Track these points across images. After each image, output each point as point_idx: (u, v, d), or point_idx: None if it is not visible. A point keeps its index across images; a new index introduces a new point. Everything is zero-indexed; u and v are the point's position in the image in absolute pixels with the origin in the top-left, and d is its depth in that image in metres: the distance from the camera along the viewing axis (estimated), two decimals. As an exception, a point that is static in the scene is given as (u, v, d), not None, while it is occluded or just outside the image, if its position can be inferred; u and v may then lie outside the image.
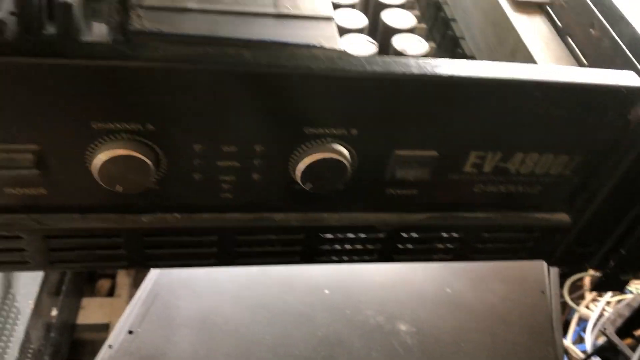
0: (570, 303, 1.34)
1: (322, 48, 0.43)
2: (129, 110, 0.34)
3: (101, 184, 0.35)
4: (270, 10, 0.45)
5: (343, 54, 0.34)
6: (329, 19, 0.46)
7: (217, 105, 0.34)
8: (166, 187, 0.38)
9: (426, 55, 0.50)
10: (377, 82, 0.35)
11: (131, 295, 1.02)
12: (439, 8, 0.59)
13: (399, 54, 0.50)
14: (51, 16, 0.51)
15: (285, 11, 0.45)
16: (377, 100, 0.36)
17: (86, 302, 1.37)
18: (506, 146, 0.40)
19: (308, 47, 0.43)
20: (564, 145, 0.40)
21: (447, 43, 0.56)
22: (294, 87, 0.34)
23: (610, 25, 0.44)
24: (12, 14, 0.51)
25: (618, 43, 0.42)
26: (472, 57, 0.53)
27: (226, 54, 0.33)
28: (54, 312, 1.15)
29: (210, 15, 0.43)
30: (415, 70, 0.35)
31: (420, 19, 0.61)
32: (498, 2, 0.49)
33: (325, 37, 0.44)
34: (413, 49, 0.50)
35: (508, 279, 0.88)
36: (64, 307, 1.19)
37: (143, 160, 0.35)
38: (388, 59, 0.35)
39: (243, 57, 0.33)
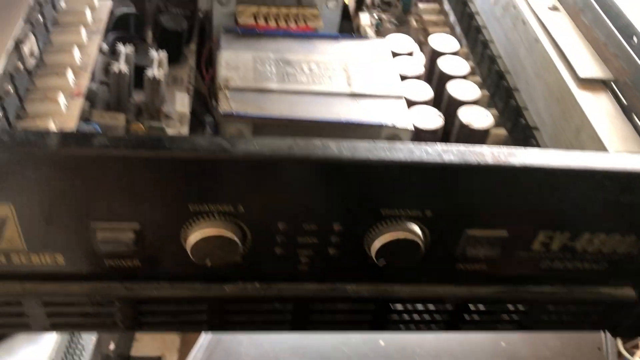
0: (625, 354, 1.30)
1: (394, 127, 0.46)
2: (223, 194, 0.36)
3: (192, 259, 0.38)
4: (345, 89, 0.48)
5: (419, 146, 0.37)
6: (399, 97, 0.48)
7: (302, 189, 0.37)
8: (249, 260, 0.40)
9: (489, 128, 0.52)
10: (452, 171, 0.37)
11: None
12: (501, 77, 0.60)
13: (465, 126, 0.52)
14: (138, 84, 0.55)
15: (358, 90, 0.48)
16: (451, 185, 0.38)
17: (140, 335, 1.41)
18: (574, 227, 0.41)
19: (381, 126, 0.46)
20: (632, 227, 0.41)
21: (510, 112, 0.58)
22: (373, 175, 0.37)
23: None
24: (102, 83, 0.56)
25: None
26: (535, 129, 0.54)
27: (313, 145, 0.36)
28: (112, 346, 1.19)
29: (290, 96, 0.47)
30: (490, 160, 0.37)
31: (481, 85, 0.63)
32: (562, 78, 0.51)
33: (397, 116, 0.46)
34: (479, 121, 0.52)
35: (564, 334, 0.88)
36: (121, 341, 1.24)
37: (233, 239, 0.37)
38: (463, 148, 0.37)
39: (329, 148, 0.36)
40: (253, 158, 0.35)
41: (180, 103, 0.55)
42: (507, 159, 0.37)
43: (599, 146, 0.45)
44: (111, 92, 0.52)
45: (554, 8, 0.58)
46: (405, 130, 0.46)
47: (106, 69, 0.57)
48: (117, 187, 0.35)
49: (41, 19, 0.49)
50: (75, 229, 0.37)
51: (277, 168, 0.36)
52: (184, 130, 0.55)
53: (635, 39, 0.52)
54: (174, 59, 0.61)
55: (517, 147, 0.54)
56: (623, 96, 0.50)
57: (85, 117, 0.51)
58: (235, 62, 0.48)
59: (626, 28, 0.53)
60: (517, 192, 0.39)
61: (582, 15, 0.56)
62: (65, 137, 0.33)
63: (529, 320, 0.48)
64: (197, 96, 0.62)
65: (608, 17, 0.54)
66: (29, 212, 0.36)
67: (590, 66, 0.52)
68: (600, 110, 0.48)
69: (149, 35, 0.64)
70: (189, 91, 0.59)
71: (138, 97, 0.55)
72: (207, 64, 0.61)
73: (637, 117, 0.48)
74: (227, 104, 0.44)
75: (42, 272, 0.40)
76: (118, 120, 0.51)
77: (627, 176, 0.38)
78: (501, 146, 0.45)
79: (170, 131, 0.53)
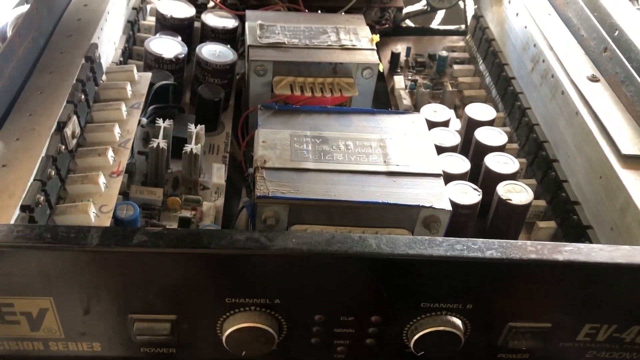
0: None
1: (432, 209, 0.45)
2: (261, 288, 0.36)
3: (228, 349, 0.38)
4: (381, 168, 0.48)
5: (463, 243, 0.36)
6: (436, 175, 0.48)
7: (339, 283, 0.37)
8: (285, 348, 0.40)
9: (529, 203, 0.51)
10: (494, 267, 0.36)
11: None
12: (540, 146, 0.59)
13: (504, 202, 0.51)
14: (175, 154, 0.56)
15: (394, 169, 0.48)
16: (494, 280, 0.37)
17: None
18: (621, 320, 0.40)
19: (419, 208, 0.45)
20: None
21: (550, 183, 0.57)
22: (413, 270, 0.36)
23: None
24: (140, 153, 0.57)
25: None
26: (576, 203, 0.53)
27: (351, 240, 0.35)
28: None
29: (327, 175, 0.46)
30: (534, 256, 0.36)
31: (519, 153, 0.63)
32: (604, 154, 0.50)
33: (435, 196, 0.46)
34: (517, 197, 0.51)
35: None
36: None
37: (269, 331, 0.37)
38: (505, 243, 0.36)
39: (368, 243, 0.35)
40: (290, 254, 0.34)
41: (217, 174, 0.56)
42: (552, 255, 0.36)
43: (646, 230, 0.44)
44: (149, 166, 0.53)
45: (594, 78, 0.57)
46: (443, 210, 0.45)
47: (145, 139, 0.58)
48: (155, 281, 0.35)
49: (83, 97, 0.50)
50: (112, 320, 0.37)
51: (314, 263, 0.35)
52: (220, 201, 0.55)
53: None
54: (211, 127, 0.61)
55: (558, 222, 0.53)
56: (669, 175, 0.48)
57: (124, 191, 0.52)
58: (272, 140, 0.49)
59: (670, 100, 0.52)
60: (561, 287, 0.38)
61: (624, 87, 0.55)
62: (105, 234, 0.34)
63: (573, 409, 0.46)
64: (232, 162, 0.62)
65: (651, 90, 0.53)
66: (68, 304, 0.36)
67: (633, 142, 0.50)
68: (645, 191, 0.47)
69: (187, 103, 0.65)
70: (225, 160, 0.60)
71: (176, 167, 0.56)
72: (243, 130, 0.62)
73: (684, 197, 0.47)
74: (264, 185, 0.44)
75: (79, 357, 0.40)
76: (156, 195, 0.52)
77: (679, 273, 0.36)
78: (545, 242, 0.44)
79: (207, 204, 0.53)
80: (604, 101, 0.55)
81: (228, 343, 0.38)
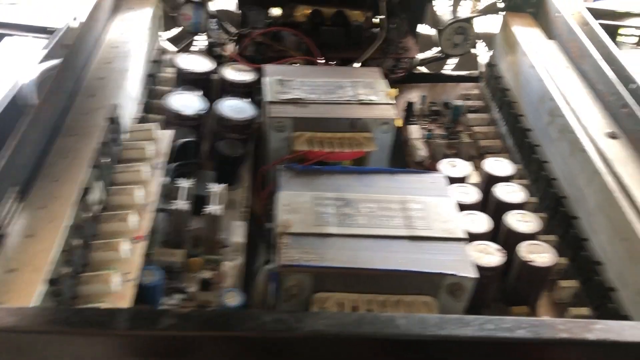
0: None
1: (456, 276, 0.45)
2: (287, 367, 0.36)
3: None
4: (404, 232, 0.48)
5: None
6: (460, 240, 0.48)
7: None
8: None
9: (553, 265, 0.51)
10: (525, 346, 0.35)
11: None
12: (559, 201, 0.59)
13: (527, 264, 0.51)
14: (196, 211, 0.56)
15: (417, 233, 0.48)
16: (524, 358, 0.36)
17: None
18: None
19: (443, 275, 0.45)
20: None
21: (571, 241, 0.56)
22: (443, 349, 0.36)
23: None
24: (162, 210, 0.57)
25: None
26: (599, 264, 0.53)
27: (380, 321, 0.35)
28: None
29: (350, 241, 0.46)
30: (565, 335, 0.35)
31: (538, 207, 0.62)
32: (625, 216, 0.50)
33: (459, 263, 0.46)
34: (540, 258, 0.51)
35: None
36: None
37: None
38: (535, 321, 0.36)
39: (395, 323, 0.35)
40: (319, 335, 0.34)
41: (237, 233, 0.56)
42: (583, 334, 0.36)
43: (673, 298, 0.43)
44: (170, 227, 0.53)
45: (613, 135, 0.57)
46: (468, 278, 0.45)
47: (165, 195, 0.58)
48: (183, 361, 0.35)
49: (106, 160, 0.50)
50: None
51: (343, 345, 0.35)
52: (241, 259, 0.55)
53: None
54: (230, 182, 0.62)
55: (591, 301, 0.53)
56: (694, 238, 0.48)
57: (147, 252, 0.52)
58: (294, 203, 0.49)
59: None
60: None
61: (644, 144, 0.55)
62: (134, 317, 0.33)
63: None
64: (251, 216, 0.62)
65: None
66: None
67: (656, 204, 0.50)
68: (671, 257, 0.46)
69: (204, 156, 0.65)
70: (245, 216, 0.60)
71: (195, 223, 0.56)
72: (262, 184, 0.62)
73: None
74: (288, 254, 0.44)
75: None
76: (177, 257, 0.52)
77: None
78: (577, 319, 0.44)
79: (227, 264, 0.53)
80: (624, 160, 0.54)
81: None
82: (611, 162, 0.54)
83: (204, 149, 0.66)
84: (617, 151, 0.56)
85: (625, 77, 0.61)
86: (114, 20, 0.67)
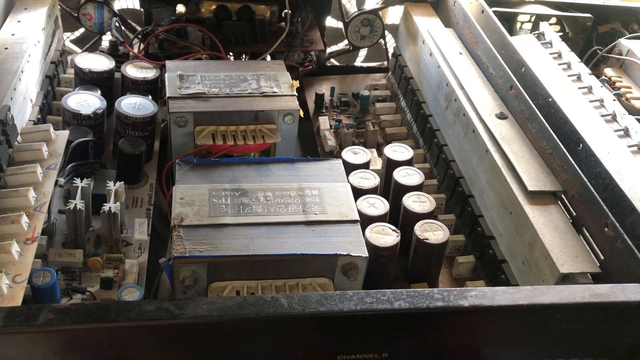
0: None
1: (349, 256, 0.46)
2: (175, 356, 0.36)
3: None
4: (300, 217, 0.49)
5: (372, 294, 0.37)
6: (354, 222, 0.49)
7: (255, 343, 0.37)
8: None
9: (446, 242, 0.53)
10: (404, 316, 0.37)
11: None
12: (456, 182, 0.62)
13: (422, 241, 0.53)
14: (97, 212, 0.55)
15: (313, 218, 0.49)
16: (405, 328, 0.38)
17: None
18: (532, 357, 0.42)
19: (336, 256, 0.46)
20: (592, 352, 0.42)
21: (467, 218, 0.59)
22: (326, 325, 0.37)
23: (621, 217, 0.47)
24: (62, 212, 0.56)
25: (631, 248, 0.44)
26: (491, 238, 0.55)
27: (263, 302, 0.36)
28: None
29: (245, 229, 0.47)
30: (440, 303, 0.37)
31: (438, 188, 0.65)
32: (512, 191, 0.52)
33: (352, 244, 0.47)
34: (434, 235, 0.53)
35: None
36: None
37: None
38: (413, 292, 0.38)
39: (280, 303, 0.36)
40: (201, 322, 0.35)
41: (139, 230, 0.55)
42: (457, 302, 0.37)
43: (552, 265, 0.46)
44: (68, 227, 0.52)
45: (502, 116, 0.60)
46: (361, 258, 0.46)
47: (66, 197, 0.57)
48: (68, 357, 0.35)
49: (-5, 163, 0.49)
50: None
51: (227, 328, 0.36)
52: (144, 257, 0.54)
53: (581, 145, 0.53)
54: (134, 179, 0.61)
55: (473, 255, 0.55)
56: (572, 208, 0.51)
57: (43, 254, 0.51)
58: (190, 196, 0.49)
59: (572, 134, 0.55)
60: (470, 330, 0.39)
61: (529, 123, 0.58)
62: (8, 315, 0.33)
63: None
64: (158, 213, 0.62)
65: (553, 124, 0.56)
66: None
67: (538, 178, 0.53)
68: (550, 226, 0.49)
69: (109, 157, 0.65)
70: (149, 213, 0.60)
71: (97, 224, 0.55)
72: (167, 181, 0.62)
73: (587, 230, 0.49)
74: (181, 245, 0.44)
75: None
76: (75, 257, 0.51)
77: (576, 308, 0.39)
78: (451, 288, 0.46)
79: (130, 262, 0.52)
80: (511, 139, 0.57)
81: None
82: (499, 141, 0.57)
83: (109, 149, 0.65)
84: (504, 130, 0.59)
85: (516, 61, 0.64)
86: (5, 22, 0.65)
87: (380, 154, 0.69)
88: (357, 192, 0.56)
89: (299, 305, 0.36)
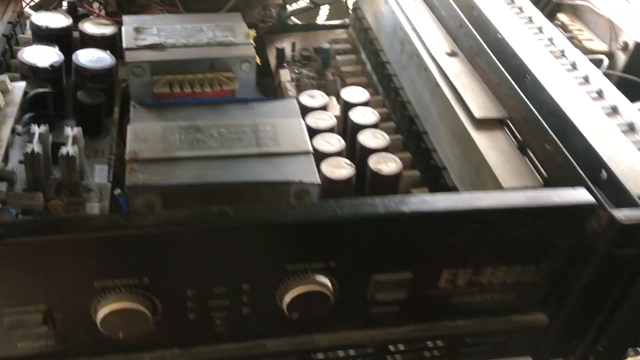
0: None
1: (302, 183, 0.47)
2: (126, 268, 0.37)
3: (104, 333, 0.39)
4: (254, 150, 0.50)
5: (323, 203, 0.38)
6: (307, 153, 0.51)
7: (205, 255, 0.38)
8: (164, 328, 0.41)
9: (399, 172, 0.55)
10: (346, 224, 0.39)
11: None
12: (411, 121, 0.63)
13: (375, 173, 0.54)
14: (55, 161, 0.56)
15: (266, 150, 0.50)
16: (350, 236, 0.40)
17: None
18: (475, 263, 0.43)
19: (289, 183, 0.47)
20: (530, 257, 0.44)
21: (422, 154, 0.61)
22: (273, 235, 0.38)
23: (563, 138, 0.49)
24: (21, 162, 0.56)
25: (569, 159, 0.46)
26: (443, 169, 0.57)
27: (211, 213, 0.37)
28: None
29: (199, 162, 0.48)
30: (381, 210, 0.39)
31: (396, 130, 0.66)
32: (460, 120, 0.54)
33: (304, 172, 0.48)
34: (388, 167, 0.55)
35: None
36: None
37: (141, 311, 0.38)
38: (356, 201, 0.39)
39: (226, 214, 0.37)
40: (150, 232, 0.36)
41: (100, 175, 0.56)
42: (398, 207, 0.39)
43: (496, 183, 0.48)
44: (27, 173, 0.53)
45: (452, 54, 0.62)
46: (313, 184, 0.48)
47: (24, 148, 0.58)
48: (19, 272, 0.36)
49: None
50: (-19, 316, 0.37)
51: (175, 239, 0.37)
52: (106, 202, 0.55)
53: (528, 76, 0.55)
54: (95, 132, 0.62)
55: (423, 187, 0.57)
56: (518, 132, 0.53)
57: (2, 199, 0.52)
58: (144, 134, 0.50)
59: (520, 67, 0.56)
60: (412, 238, 0.41)
61: (478, 58, 0.60)
62: (-40, 229, 0.34)
63: (450, 354, 0.49)
64: (121, 164, 0.63)
65: (502, 59, 0.58)
66: None
67: (485, 107, 0.55)
68: (496, 149, 0.51)
69: (71, 112, 0.65)
70: (111, 162, 0.61)
71: (58, 173, 0.56)
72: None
73: (531, 151, 0.51)
74: (135, 176, 0.45)
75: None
76: (36, 200, 0.52)
77: (514, 211, 0.40)
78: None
79: (91, 205, 0.53)
80: (460, 73, 0.59)
81: (103, 327, 0.39)
82: (449, 76, 0.59)
83: (69, 106, 0.66)
84: (454, 66, 0.60)
85: (468, 6, 0.66)
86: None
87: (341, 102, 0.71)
88: (314, 133, 0.57)
89: (245, 215, 0.37)
